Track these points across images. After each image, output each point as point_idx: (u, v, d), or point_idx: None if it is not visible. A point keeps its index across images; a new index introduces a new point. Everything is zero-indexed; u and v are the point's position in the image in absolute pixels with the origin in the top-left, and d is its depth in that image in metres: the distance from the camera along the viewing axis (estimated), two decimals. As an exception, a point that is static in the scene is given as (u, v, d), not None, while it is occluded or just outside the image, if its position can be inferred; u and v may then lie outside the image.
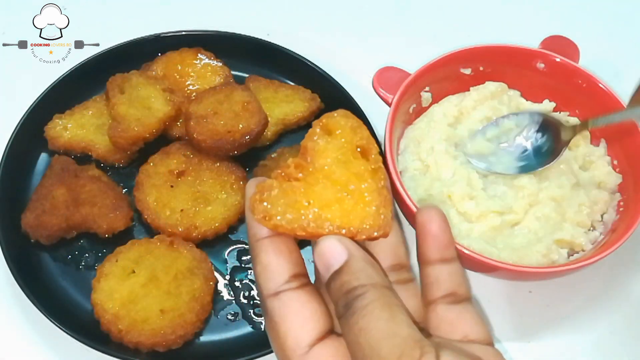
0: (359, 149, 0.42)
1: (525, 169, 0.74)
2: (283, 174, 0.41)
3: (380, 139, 0.75)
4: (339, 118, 0.43)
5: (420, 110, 0.81)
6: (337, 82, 0.84)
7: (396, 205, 0.45)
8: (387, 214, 0.41)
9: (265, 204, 0.40)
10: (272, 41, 0.88)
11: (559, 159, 0.73)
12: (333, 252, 0.40)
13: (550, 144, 0.74)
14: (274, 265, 0.41)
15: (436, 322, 0.43)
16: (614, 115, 0.72)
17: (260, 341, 0.68)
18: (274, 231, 0.41)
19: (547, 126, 0.75)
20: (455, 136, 0.78)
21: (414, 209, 0.67)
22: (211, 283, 0.70)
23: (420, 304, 0.45)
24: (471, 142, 0.76)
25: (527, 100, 0.83)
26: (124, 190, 0.77)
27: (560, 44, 0.80)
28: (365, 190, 0.41)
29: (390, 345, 0.36)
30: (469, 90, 0.81)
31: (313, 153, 0.42)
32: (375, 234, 0.41)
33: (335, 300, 0.39)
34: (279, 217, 0.40)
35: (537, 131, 0.75)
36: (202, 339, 0.69)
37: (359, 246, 0.40)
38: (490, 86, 0.80)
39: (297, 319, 0.41)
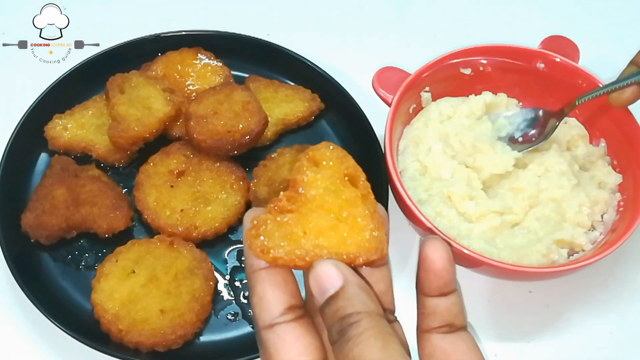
0: (346, 178, 0.43)
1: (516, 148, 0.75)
2: (276, 207, 0.42)
3: (380, 139, 0.75)
4: (324, 150, 0.44)
5: (420, 111, 0.81)
6: (337, 82, 0.84)
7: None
8: (382, 237, 0.42)
9: (261, 238, 0.40)
10: (272, 41, 0.88)
11: (548, 137, 0.74)
12: (329, 276, 0.40)
13: (541, 129, 0.76)
14: (269, 296, 0.41)
15: (430, 351, 0.44)
16: (596, 90, 0.72)
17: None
18: (272, 264, 0.41)
19: (538, 118, 0.77)
20: (448, 133, 0.78)
21: (414, 209, 0.67)
22: (211, 283, 0.70)
23: (405, 344, 0.44)
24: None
25: (525, 107, 0.83)
26: (124, 190, 0.77)
27: (560, 44, 0.80)
28: (358, 216, 0.42)
29: None
30: (469, 91, 0.81)
31: (303, 184, 0.43)
32: (374, 257, 0.41)
33: (329, 325, 0.39)
34: (276, 250, 0.40)
35: (528, 125, 0.78)
36: (202, 339, 0.69)
37: (355, 272, 0.41)
38: (488, 97, 0.80)
39: (290, 352, 0.41)
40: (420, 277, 0.44)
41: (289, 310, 0.42)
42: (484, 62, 0.80)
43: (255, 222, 0.41)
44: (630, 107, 0.75)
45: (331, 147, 0.44)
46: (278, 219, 0.41)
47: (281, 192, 0.42)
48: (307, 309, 0.44)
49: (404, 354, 0.38)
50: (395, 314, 0.46)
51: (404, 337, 0.44)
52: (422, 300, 0.45)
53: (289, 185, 0.43)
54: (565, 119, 0.81)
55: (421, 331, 0.45)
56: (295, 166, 0.43)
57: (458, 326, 0.44)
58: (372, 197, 0.43)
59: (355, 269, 0.42)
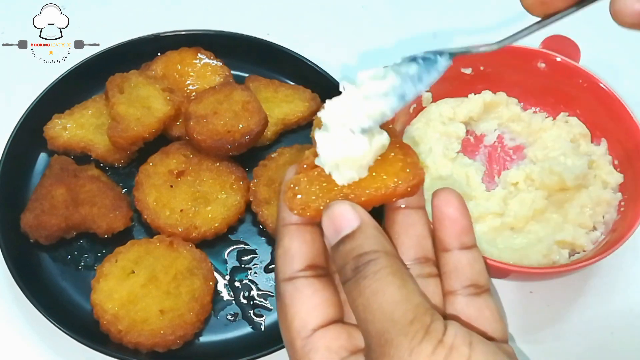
0: None
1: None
2: (305, 165, 0.42)
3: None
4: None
5: (420, 110, 0.81)
6: (337, 81, 0.84)
7: (425, 193, 0.44)
8: (415, 161, 0.42)
9: (299, 196, 0.41)
10: (272, 41, 0.88)
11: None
12: (345, 216, 0.40)
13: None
14: (294, 250, 0.42)
15: (454, 315, 0.43)
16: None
17: (260, 342, 0.68)
18: (316, 217, 0.41)
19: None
20: (451, 134, 0.78)
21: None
22: (211, 283, 0.70)
23: (442, 299, 0.44)
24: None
25: (524, 109, 0.82)
26: (123, 190, 0.77)
27: (561, 44, 0.80)
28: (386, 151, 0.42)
29: (403, 309, 0.36)
30: (469, 90, 0.81)
31: None
32: (412, 182, 0.41)
33: (342, 263, 0.39)
34: (317, 202, 0.41)
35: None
36: (202, 339, 0.69)
37: (370, 215, 0.41)
38: (487, 96, 0.80)
39: (306, 304, 0.41)
40: (436, 230, 0.43)
41: (311, 267, 0.42)
42: (485, 62, 0.80)
43: (290, 184, 0.42)
44: (630, 107, 0.75)
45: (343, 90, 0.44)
46: (310, 174, 0.42)
47: (306, 151, 0.43)
48: (329, 270, 0.44)
49: (422, 292, 0.38)
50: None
51: (440, 295, 0.44)
52: (442, 259, 0.43)
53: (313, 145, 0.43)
54: (567, 118, 0.81)
55: (445, 294, 0.44)
56: (314, 123, 0.44)
57: (483, 286, 0.43)
58: (395, 130, 0.43)
59: (390, 212, 0.42)
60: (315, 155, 0.42)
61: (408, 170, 0.41)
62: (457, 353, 0.36)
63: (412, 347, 0.36)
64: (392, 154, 0.42)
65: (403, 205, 0.44)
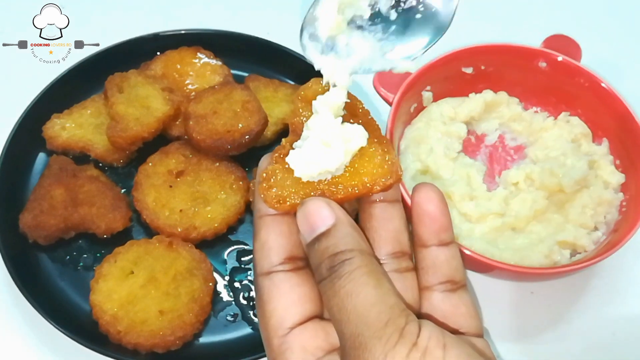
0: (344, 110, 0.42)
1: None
2: (281, 155, 0.41)
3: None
4: (315, 87, 0.43)
5: (421, 110, 0.81)
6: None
7: (402, 189, 0.44)
8: (394, 159, 0.41)
9: (274, 190, 0.40)
10: (272, 40, 0.88)
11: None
12: (320, 214, 0.39)
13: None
14: (271, 243, 0.41)
15: (430, 311, 0.43)
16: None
17: (260, 342, 0.67)
18: (290, 211, 0.40)
19: None
20: (452, 134, 0.78)
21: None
22: (210, 284, 0.70)
23: (418, 294, 0.44)
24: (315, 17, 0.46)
25: (526, 108, 0.82)
26: (122, 191, 0.77)
27: (562, 43, 0.80)
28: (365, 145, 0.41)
29: (377, 311, 0.36)
30: (470, 90, 0.81)
31: (302, 126, 0.42)
32: (390, 181, 0.40)
33: (317, 262, 0.39)
34: (291, 197, 0.40)
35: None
36: (202, 340, 0.69)
37: (346, 212, 0.40)
38: (488, 95, 0.80)
39: (283, 300, 0.41)
40: (415, 225, 0.43)
41: (289, 260, 0.42)
42: (486, 61, 0.80)
43: (264, 174, 0.41)
44: (632, 106, 0.74)
45: (322, 82, 0.43)
46: (286, 166, 0.41)
47: (283, 140, 0.42)
48: (308, 262, 0.43)
49: (396, 293, 0.38)
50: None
51: (416, 289, 0.43)
52: (420, 253, 0.43)
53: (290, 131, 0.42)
54: (568, 117, 0.80)
55: (421, 289, 0.43)
56: (291, 110, 0.43)
57: (459, 282, 0.43)
58: (374, 122, 0.42)
59: (367, 205, 0.42)
60: (293, 142, 0.41)
61: (386, 167, 0.41)
62: (431, 356, 0.36)
63: (387, 351, 0.35)
64: (372, 149, 0.41)
65: (378, 199, 0.44)
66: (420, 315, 0.43)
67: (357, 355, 0.36)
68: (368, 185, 0.40)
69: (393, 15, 0.42)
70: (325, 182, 0.40)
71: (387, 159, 0.41)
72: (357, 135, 0.41)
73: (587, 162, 0.76)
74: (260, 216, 0.42)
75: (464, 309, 0.42)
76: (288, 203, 0.40)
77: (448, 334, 0.37)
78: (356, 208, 0.45)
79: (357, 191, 0.40)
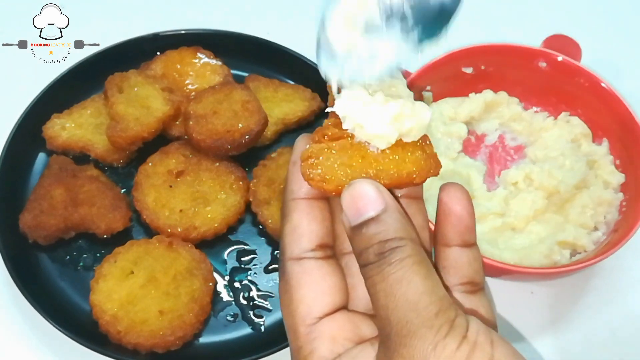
0: None
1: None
2: (325, 136, 0.40)
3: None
4: None
5: (421, 110, 0.81)
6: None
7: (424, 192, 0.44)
8: (434, 152, 0.41)
9: (317, 170, 0.39)
10: (272, 40, 0.88)
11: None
12: (370, 197, 0.38)
13: None
14: (304, 228, 0.41)
15: (473, 311, 0.42)
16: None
17: (260, 343, 0.67)
18: (332, 193, 0.39)
19: None
20: (452, 134, 0.78)
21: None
22: (210, 284, 0.70)
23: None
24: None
25: (526, 108, 0.82)
26: (122, 191, 0.77)
27: (562, 43, 0.80)
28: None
29: (428, 301, 0.36)
30: (470, 90, 0.81)
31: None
32: (431, 173, 0.40)
33: (363, 247, 0.38)
34: (338, 179, 0.39)
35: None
36: (202, 340, 0.69)
37: (393, 197, 0.39)
38: (488, 95, 0.80)
39: (314, 289, 0.40)
40: (439, 224, 0.42)
41: (320, 247, 0.41)
42: (486, 61, 0.80)
43: (308, 153, 0.40)
44: (632, 107, 0.74)
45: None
46: (331, 146, 0.40)
47: (325, 120, 0.41)
48: (335, 250, 0.43)
49: (445, 285, 0.38)
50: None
51: None
52: (442, 253, 0.43)
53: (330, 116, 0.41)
54: (568, 117, 0.80)
55: None
56: (329, 97, 0.42)
57: (478, 285, 0.42)
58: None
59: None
60: (336, 124, 0.40)
61: (429, 159, 0.40)
62: (481, 351, 0.35)
63: (437, 341, 0.35)
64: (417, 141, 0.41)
65: (400, 194, 0.43)
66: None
67: (404, 342, 0.35)
68: (412, 175, 0.40)
69: (406, 5, 0.41)
70: (371, 165, 0.39)
71: (427, 152, 0.40)
72: (423, 111, 0.40)
73: (585, 163, 0.76)
74: (293, 198, 0.41)
75: (482, 311, 0.42)
76: (333, 183, 0.39)
77: (493, 331, 0.37)
78: None
79: (401, 179, 0.39)
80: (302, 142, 0.42)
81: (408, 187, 0.41)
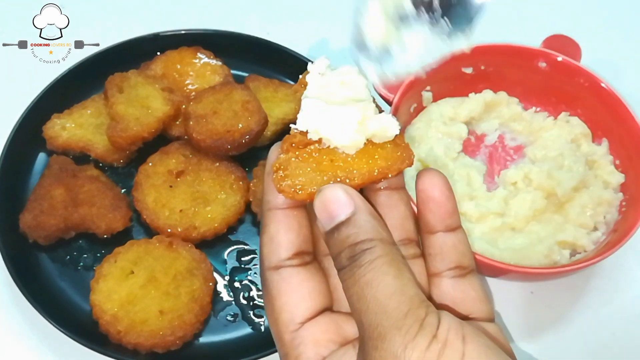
0: None
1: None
2: (293, 144, 0.41)
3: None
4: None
5: (420, 110, 0.81)
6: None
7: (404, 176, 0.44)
8: (405, 143, 0.41)
9: (288, 181, 0.39)
10: (272, 40, 0.88)
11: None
12: (339, 202, 0.39)
13: None
14: (280, 238, 0.41)
15: (439, 298, 0.42)
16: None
17: (260, 342, 0.67)
18: (306, 201, 0.40)
19: None
20: (452, 134, 0.78)
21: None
22: (210, 284, 0.70)
23: (427, 280, 0.43)
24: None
25: (525, 108, 0.82)
26: (122, 191, 0.77)
27: (562, 43, 0.80)
28: None
29: (397, 301, 0.36)
30: (470, 90, 0.81)
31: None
32: (404, 165, 0.40)
33: (337, 251, 0.39)
34: (308, 185, 0.39)
35: None
36: (202, 340, 0.69)
37: (364, 199, 0.39)
38: (488, 95, 0.80)
39: (293, 295, 0.41)
40: (420, 212, 0.43)
41: (298, 255, 0.41)
42: (486, 61, 0.80)
43: (277, 164, 0.40)
44: (631, 106, 0.74)
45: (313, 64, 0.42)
46: (298, 155, 0.40)
47: (291, 126, 0.41)
48: (316, 254, 0.43)
49: (417, 283, 0.38)
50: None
51: (425, 275, 0.43)
52: (427, 240, 0.43)
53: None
54: (568, 117, 0.80)
55: (430, 275, 0.43)
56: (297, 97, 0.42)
57: (467, 267, 0.42)
58: (376, 105, 0.42)
59: (371, 193, 0.42)
60: (302, 131, 0.41)
61: (400, 152, 0.40)
62: (451, 348, 0.35)
63: (407, 342, 0.35)
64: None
65: (382, 187, 0.44)
66: (432, 301, 0.42)
67: (375, 345, 0.36)
68: (385, 170, 0.40)
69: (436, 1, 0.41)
70: (341, 168, 0.40)
71: (397, 142, 0.41)
72: (391, 125, 0.40)
73: (584, 164, 0.76)
74: (269, 209, 0.41)
75: (473, 294, 0.42)
76: (305, 191, 0.39)
77: (466, 324, 0.37)
78: None
79: (374, 176, 0.40)
80: (275, 152, 0.42)
81: (382, 181, 0.42)
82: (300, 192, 0.39)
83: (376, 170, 0.40)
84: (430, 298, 0.43)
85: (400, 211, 0.43)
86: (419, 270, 0.43)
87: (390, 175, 0.40)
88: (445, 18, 0.41)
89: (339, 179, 0.40)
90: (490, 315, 0.43)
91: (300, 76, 0.43)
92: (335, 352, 0.40)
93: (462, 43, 0.41)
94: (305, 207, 0.43)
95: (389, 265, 0.37)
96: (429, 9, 0.41)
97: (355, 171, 0.40)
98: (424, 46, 0.41)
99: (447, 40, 0.41)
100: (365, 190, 0.44)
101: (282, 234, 0.41)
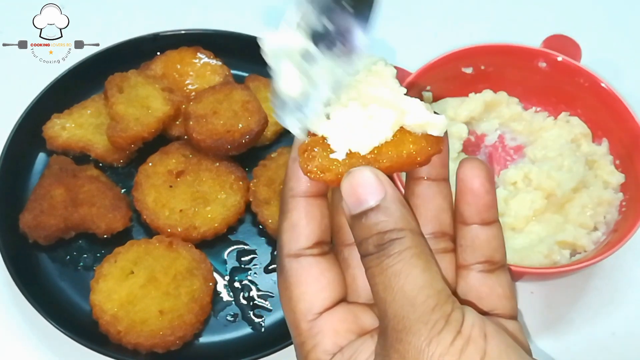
0: None
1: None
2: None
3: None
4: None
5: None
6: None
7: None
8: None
9: (315, 162, 0.38)
10: (272, 40, 0.87)
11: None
12: (370, 187, 0.37)
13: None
14: (302, 226, 0.41)
15: (464, 290, 0.42)
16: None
17: (260, 342, 0.67)
18: (333, 185, 0.39)
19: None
20: (452, 134, 0.78)
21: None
22: (210, 284, 0.70)
23: (454, 274, 0.43)
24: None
25: (525, 108, 0.82)
26: (122, 191, 0.77)
27: (562, 43, 0.80)
28: None
29: (425, 295, 0.36)
30: (470, 90, 0.81)
31: None
32: (435, 150, 0.39)
33: (363, 237, 0.38)
34: (336, 168, 0.38)
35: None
36: (202, 340, 0.69)
37: (394, 185, 0.39)
38: (488, 95, 0.80)
39: (313, 285, 0.40)
40: (457, 201, 0.42)
41: (318, 244, 0.41)
42: (486, 61, 0.80)
43: (304, 146, 0.39)
44: (632, 106, 0.74)
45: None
46: (328, 137, 0.39)
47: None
48: (334, 244, 0.43)
49: (444, 277, 0.38)
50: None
51: (453, 269, 0.43)
52: (461, 230, 0.42)
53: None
54: (568, 117, 0.80)
55: (458, 267, 0.42)
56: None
57: (498, 263, 0.42)
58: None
59: (412, 182, 0.41)
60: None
61: (431, 138, 0.39)
62: (474, 345, 0.35)
63: (432, 337, 0.35)
64: None
65: (426, 177, 0.43)
66: (457, 295, 0.42)
67: (399, 337, 0.35)
68: (414, 154, 0.39)
69: (330, 26, 0.40)
70: (372, 151, 0.39)
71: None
72: (417, 108, 0.39)
73: (584, 164, 0.76)
74: (292, 195, 0.41)
75: (500, 291, 0.41)
76: (332, 172, 0.38)
77: (488, 322, 0.37)
78: None
79: (402, 159, 0.39)
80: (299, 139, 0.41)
81: (413, 168, 0.40)
82: (327, 173, 0.38)
83: (405, 154, 0.39)
84: (455, 292, 0.42)
85: (438, 203, 0.42)
86: (448, 264, 0.43)
87: (419, 159, 0.39)
88: (339, 38, 0.40)
89: (365, 161, 0.38)
90: (513, 313, 0.42)
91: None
92: (353, 343, 0.40)
93: (360, 54, 0.40)
94: (326, 196, 0.42)
95: (418, 258, 0.36)
96: (326, 39, 0.40)
97: (383, 153, 0.39)
98: (332, 75, 0.40)
99: (349, 59, 0.40)
100: (406, 179, 0.44)
101: (305, 223, 0.41)
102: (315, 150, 0.39)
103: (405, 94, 0.40)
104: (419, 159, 0.39)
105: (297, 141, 0.41)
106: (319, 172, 0.38)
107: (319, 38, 0.40)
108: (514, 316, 0.42)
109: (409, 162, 0.39)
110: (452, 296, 0.37)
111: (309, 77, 0.40)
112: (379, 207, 0.37)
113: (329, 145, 0.39)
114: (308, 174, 0.39)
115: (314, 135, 0.40)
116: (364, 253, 0.38)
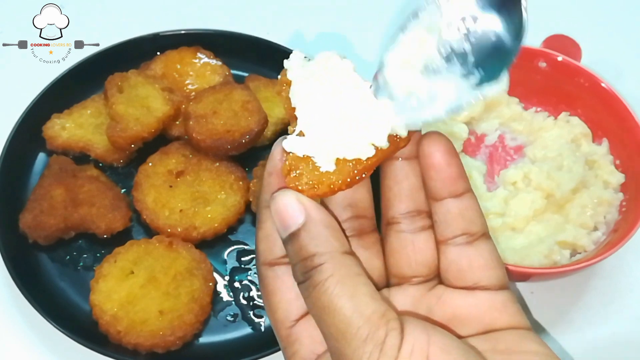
0: None
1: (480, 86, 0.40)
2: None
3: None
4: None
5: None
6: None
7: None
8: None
9: (304, 179, 0.38)
10: (272, 40, 0.88)
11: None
12: (290, 211, 0.38)
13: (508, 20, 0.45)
14: (276, 236, 0.40)
15: (445, 266, 0.41)
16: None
17: (260, 342, 0.67)
18: (331, 194, 0.38)
19: None
20: (452, 134, 0.78)
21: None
22: (210, 284, 0.70)
23: (435, 250, 0.42)
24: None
25: (526, 108, 0.82)
26: (122, 191, 0.77)
27: (563, 43, 0.80)
28: None
29: (355, 327, 0.35)
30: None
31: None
32: (401, 143, 0.39)
33: (292, 262, 0.38)
34: (326, 179, 0.38)
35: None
36: (202, 340, 0.69)
37: (318, 205, 0.38)
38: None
39: (288, 293, 0.40)
40: (423, 178, 0.41)
41: None
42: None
43: (288, 167, 0.39)
44: (632, 107, 0.74)
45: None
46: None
47: (289, 127, 0.40)
48: None
49: (374, 293, 0.37)
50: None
51: (434, 246, 0.42)
52: (433, 207, 0.41)
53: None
54: (568, 117, 0.80)
55: (438, 243, 0.42)
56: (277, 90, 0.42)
57: (476, 234, 0.41)
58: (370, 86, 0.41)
59: (385, 164, 0.40)
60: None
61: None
62: None
63: None
64: None
65: (399, 158, 0.42)
66: (437, 267, 0.42)
67: None
68: (395, 140, 0.38)
69: (467, 47, 0.39)
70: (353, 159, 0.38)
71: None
72: (382, 113, 0.39)
73: (584, 164, 0.76)
74: (266, 206, 0.41)
75: (481, 261, 0.40)
76: (325, 184, 0.38)
77: (435, 335, 0.36)
78: None
79: (384, 154, 0.38)
80: (278, 151, 0.41)
81: (390, 157, 0.40)
82: (319, 187, 0.38)
83: (383, 151, 0.38)
84: (437, 269, 0.42)
85: (412, 182, 0.42)
86: (427, 242, 0.42)
87: (401, 145, 0.39)
88: (480, 68, 0.39)
89: (351, 164, 0.38)
90: (500, 282, 0.41)
91: (279, 76, 0.42)
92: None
93: (493, 88, 0.39)
94: None
95: (342, 285, 0.36)
96: (461, 59, 0.39)
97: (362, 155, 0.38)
98: (454, 95, 0.39)
99: (477, 88, 0.39)
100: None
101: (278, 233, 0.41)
102: (299, 168, 0.39)
103: (370, 87, 0.40)
104: (401, 143, 0.39)
105: (275, 155, 0.41)
106: (311, 188, 0.38)
107: (454, 59, 0.39)
108: (503, 285, 0.41)
109: (393, 150, 0.39)
110: (386, 315, 0.36)
111: (424, 84, 0.39)
112: (299, 231, 0.37)
113: (314, 161, 0.38)
114: (302, 193, 0.38)
115: (290, 153, 0.39)
116: (296, 281, 0.38)
